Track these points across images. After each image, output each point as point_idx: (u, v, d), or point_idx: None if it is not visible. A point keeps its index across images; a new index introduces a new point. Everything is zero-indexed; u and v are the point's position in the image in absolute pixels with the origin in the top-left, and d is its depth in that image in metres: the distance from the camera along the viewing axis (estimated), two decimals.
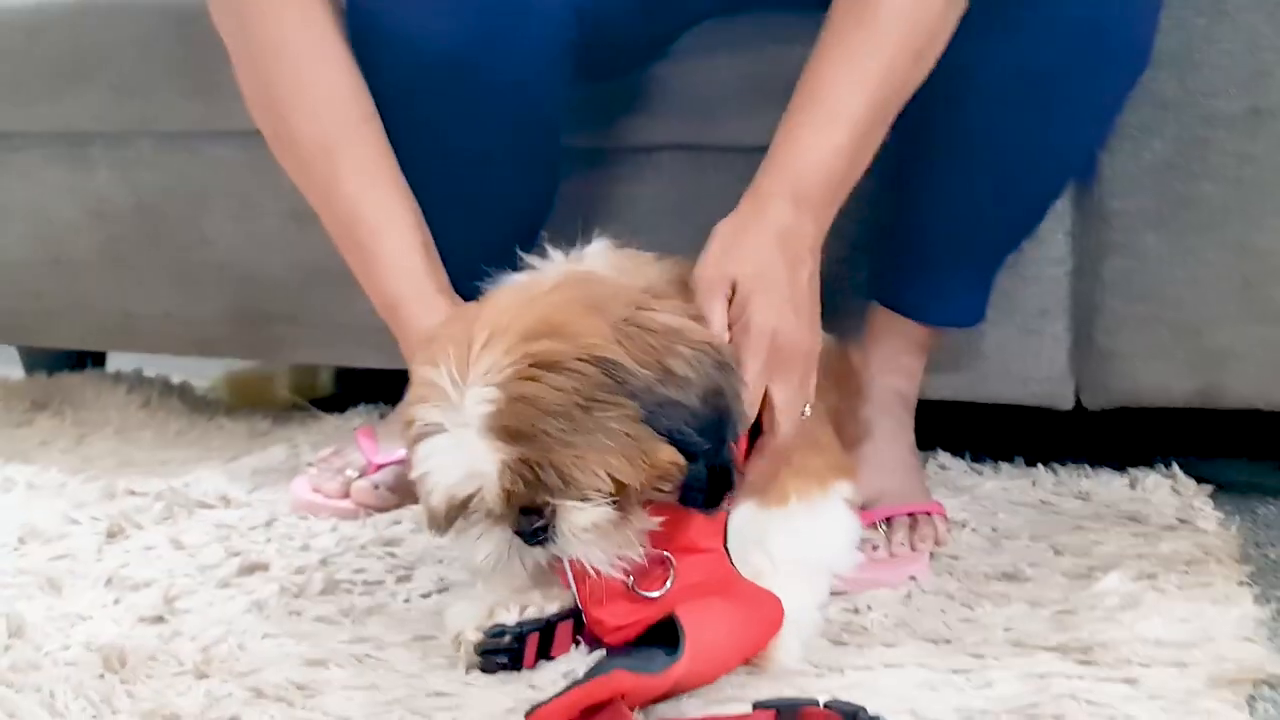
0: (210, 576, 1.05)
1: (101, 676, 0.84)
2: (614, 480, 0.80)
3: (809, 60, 0.96)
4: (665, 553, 0.85)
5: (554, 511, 0.81)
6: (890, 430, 1.19)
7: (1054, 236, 1.26)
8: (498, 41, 1.06)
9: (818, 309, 0.94)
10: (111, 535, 1.15)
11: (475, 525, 0.84)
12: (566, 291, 0.85)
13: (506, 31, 1.06)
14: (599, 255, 0.94)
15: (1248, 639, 0.87)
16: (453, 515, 0.84)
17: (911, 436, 1.22)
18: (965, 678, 0.83)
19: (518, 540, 0.83)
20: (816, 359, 0.93)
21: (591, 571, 0.83)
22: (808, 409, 0.92)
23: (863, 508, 1.07)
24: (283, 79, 1.05)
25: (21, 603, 0.98)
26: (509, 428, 0.79)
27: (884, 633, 0.92)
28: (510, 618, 0.87)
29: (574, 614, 0.87)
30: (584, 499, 0.80)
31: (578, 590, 0.86)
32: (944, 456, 1.37)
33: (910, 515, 1.08)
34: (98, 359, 1.92)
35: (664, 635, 0.81)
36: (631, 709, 0.75)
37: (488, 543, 0.84)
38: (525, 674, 0.85)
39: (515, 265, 1.16)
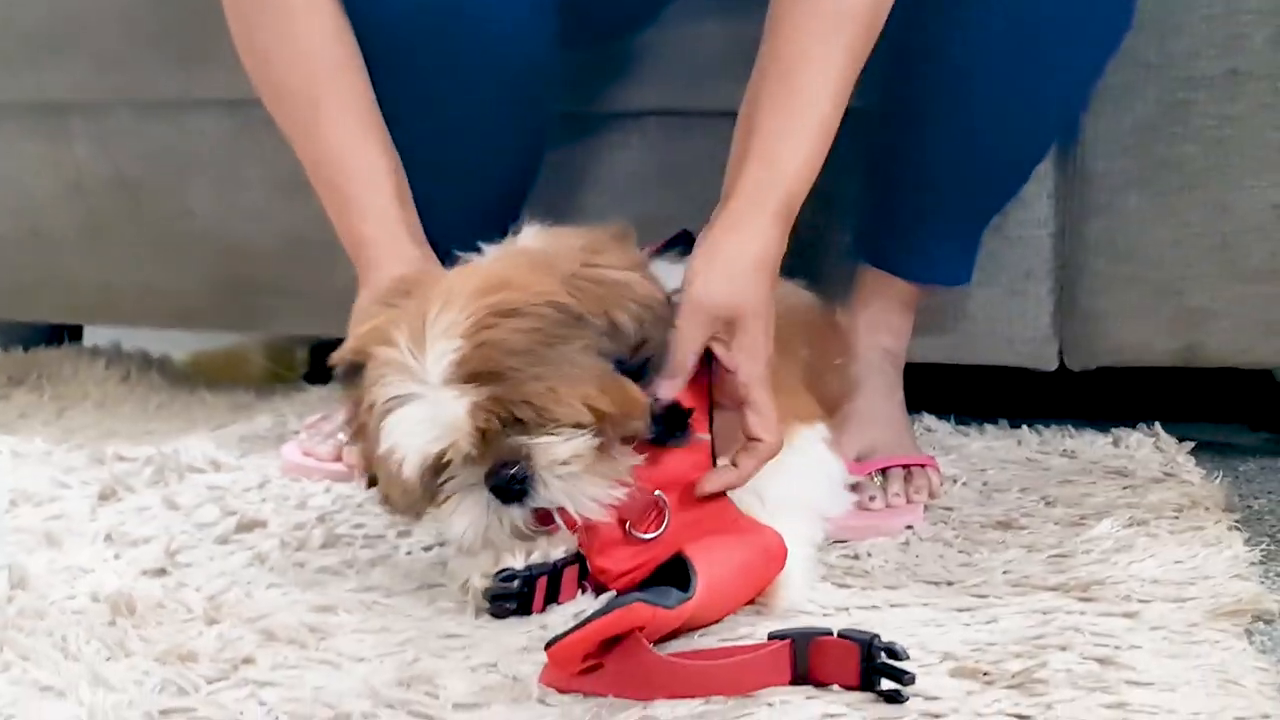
0: (208, 533, 1.04)
1: (112, 623, 0.83)
2: (591, 409, 0.81)
3: (770, 52, 0.97)
4: (657, 492, 0.86)
5: (530, 455, 0.81)
6: (880, 387, 1.21)
7: (1038, 199, 1.28)
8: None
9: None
10: (104, 497, 1.14)
11: (450, 497, 0.84)
12: (512, 258, 0.88)
13: None
14: (531, 237, 0.94)
15: (1241, 577, 0.89)
16: (428, 482, 0.83)
17: (901, 394, 1.23)
18: (970, 614, 0.85)
19: (495, 502, 0.83)
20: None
21: (578, 516, 0.83)
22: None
23: (857, 460, 1.09)
24: (269, 27, 1.04)
25: (22, 556, 0.97)
26: (476, 371, 0.80)
27: (886, 576, 0.93)
28: (518, 562, 0.87)
29: (579, 559, 0.88)
30: (560, 433, 0.81)
31: (581, 541, 0.87)
32: (929, 419, 1.39)
33: (905, 467, 1.10)
34: (74, 333, 1.90)
35: (672, 575, 0.82)
36: (659, 636, 0.76)
37: (465, 511, 0.84)
38: (536, 616, 0.85)
39: (501, 230, 1.17)
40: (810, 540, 0.93)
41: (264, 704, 0.72)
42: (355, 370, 0.87)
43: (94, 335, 1.90)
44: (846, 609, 0.86)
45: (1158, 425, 1.30)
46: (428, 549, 1.01)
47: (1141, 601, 0.85)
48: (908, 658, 0.72)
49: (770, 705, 0.71)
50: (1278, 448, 1.34)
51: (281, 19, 1.03)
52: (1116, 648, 0.78)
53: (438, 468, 0.83)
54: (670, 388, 0.88)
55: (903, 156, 1.19)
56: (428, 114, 1.11)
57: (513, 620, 0.85)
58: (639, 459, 0.85)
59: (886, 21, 1.01)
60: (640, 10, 1.31)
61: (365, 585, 0.92)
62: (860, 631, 0.73)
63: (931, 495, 1.10)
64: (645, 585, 0.84)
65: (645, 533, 0.85)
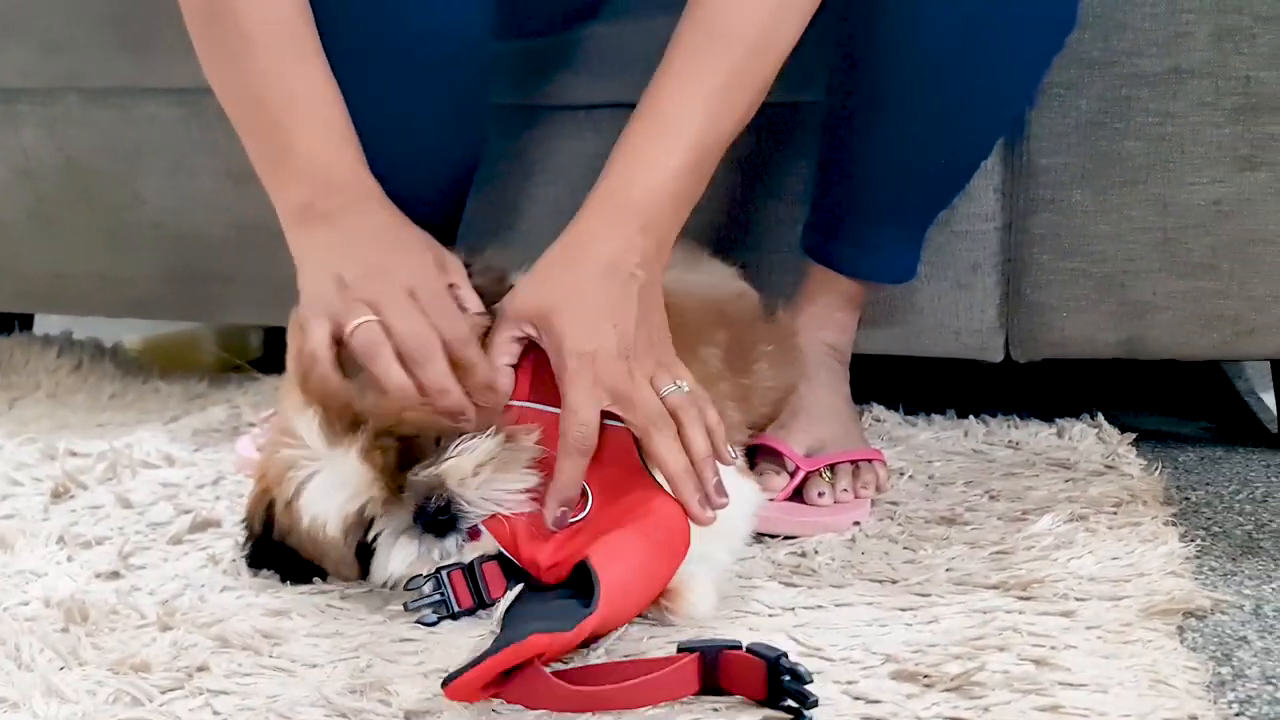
0: (162, 533, 1.05)
1: (65, 630, 0.84)
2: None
3: (656, 73, 0.97)
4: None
5: (443, 480, 0.85)
6: (826, 382, 1.22)
7: (985, 193, 1.30)
8: None
9: (661, 311, 0.94)
10: (56, 495, 1.14)
11: (383, 545, 0.87)
12: None
13: None
14: None
15: (1174, 574, 0.92)
16: (353, 540, 0.88)
17: (847, 388, 1.25)
18: (912, 614, 0.87)
19: (429, 538, 0.87)
20: (661, 353, 0.93)
21: (503, 515, 0.86)
22: (684, 385, 0.91)
23: (806, 455, 1.11)
24: None
25: None
26: (346, 423, 0.86)
27: (832, 574, 0.95)
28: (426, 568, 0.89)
29: (498, 556, 0.88)
30: (458, 445, 0.85)
31: (498, 539, 0.87)
32: (878, 409, 1.41)
33: (853, 463, 1.11)
34: (25, 322, 1.89)
35: (580, 582, 0.82)
36: (549, 663, 0.76)
37: (398, 555, 0.87)
38: (487, 619, 0.86)
39: (440, 219, 1.17)
40: (718, 562, 0.91)
41: (218, 713, 0.73)
42: (269, 504, 0.92)
43: (45, 324, 1.89)
44: (793, 609, 0.88)
45: (1100, 416, 1.33)
46: None
47: (1078, 600, 0.87)
48: (811, 680, 0.72)
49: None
50: (1217, 438, 1.37)
51: None
52: (1052, 648, 0.80)
53: (362, 524, 0.87)
54: (488, 396, 0.89)
55: (849, 153, 1.20)
56: (362, 104, 1.10)
57: (465, 624, 0.86)
58: (540, 450, 0.88)
59: (833, 16, 1.02)
60: (579, 4, 1.31)
61: (318, 589, 0.92)
62: (768, 647, 0.73)
63: (879, 490, 1.12)
64: (559, 588, 0.85)
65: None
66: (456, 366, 0.89)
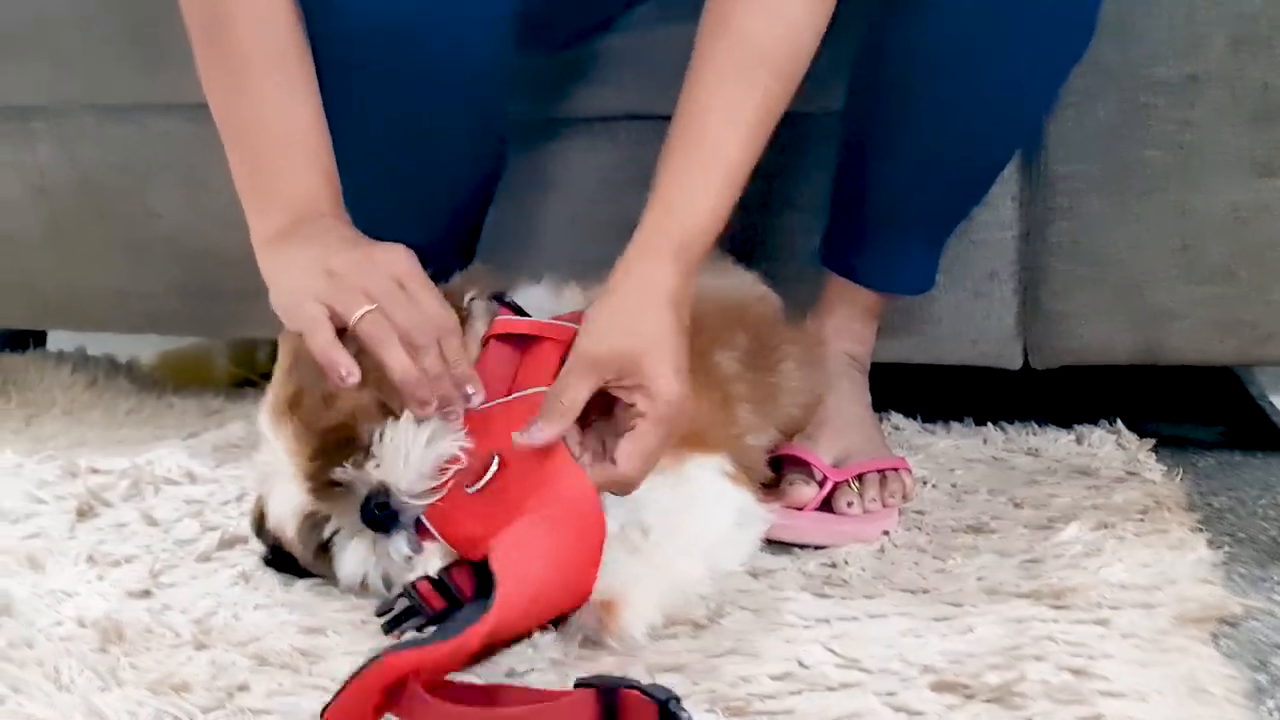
0: (190, 551, 1.05)
1: (103, 650, 0.84)
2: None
3: (685, 95, 0.99)
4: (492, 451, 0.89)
5: (377, 477, 0.87)
6: (848, 392, 1.23)
7: (1002, 202, 1.31)
8: (434, 2, 1.06)
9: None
10: (81, 514, 1.14)
11: (338, 546, 0.91)
12: None
13: None
14: None
15: (1206, 580, 0.92)
16: (307, 539, 0.91)
17: (868, 398, 1.25)
18: (947, 624, 0.87)
19: (381, 539, 0.89)
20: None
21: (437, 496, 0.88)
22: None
23: (834, 465, 1.11)
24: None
25: (4, 580, 0.97)
26: (296, 431, 0.90)
27: (864, 585, 0.95)
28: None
29: (466, 562, 0.88)
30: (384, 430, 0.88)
31: (434, 525, 0.89)
32: (897, 418, 1.41)
33: (880, 472, 1.12)
34: (39, 339, 1.89)
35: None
36: (438, 678, 0.75)
37: (350, 554, 0.90)
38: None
39: (460, 236, 1.17)
40: (674, 577, 0.89)
41: None
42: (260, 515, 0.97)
43: (58, 340, 1.89)
44: (827, 620, 0.88)
45: (1119, 423, 1.34)
46: None
47: (1112, 608, 0.87)
48: None
49: None
50: (1235, 443, 1.38)
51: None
52: (1090, 657, 0.80)
53: (315, 526, 0.90)
54: (545, 434, 0.88)
55: (866, 164, 1.20)
56: (384, 120, 1.11)
57: None
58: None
59: (851, 27, 1.03)
60: (599, 16, 1.32)
61: (353, 604, 0.92)
62: (662, 689, 0.70)
63: (905, 498, 1.12)
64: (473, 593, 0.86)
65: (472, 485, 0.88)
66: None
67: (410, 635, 0.85)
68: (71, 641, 0.85)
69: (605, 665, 0.81)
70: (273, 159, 0.98)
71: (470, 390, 0.91)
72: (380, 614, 0.87)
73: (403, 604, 0.86)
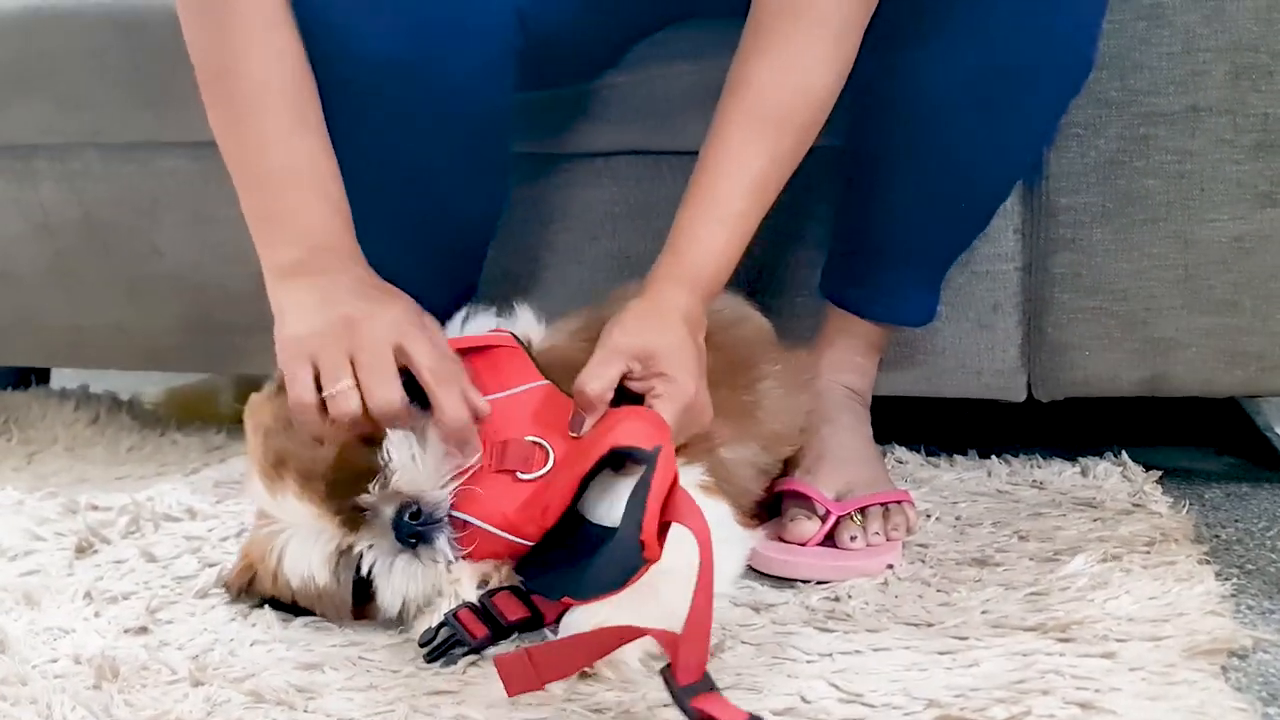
0: (188, 587, 1.04)
1: (97, 687, 0.83)
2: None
3: (703, 148, 1.05)
4: (530, 438, 0.94)
5: (397, 489, 0.89)
6: (849, 424, 1.22)
7: (1004, 234, 1.30)
8: (436, 42, 1.06)
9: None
10: (80, 550, 1.14)
11: (380, 575, 0.90)
12: None
13: (445, 31, 1.06)
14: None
15: (1214, 613, 0.91)
16: (345, 577, 0.90)
17: (869, 431, 1.25)
18: (951, 658, 0.86)
19: (424, 548, 0.89)
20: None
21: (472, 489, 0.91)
22: None
23: (836, 499, 1.10)
24: (238, 32, 1.01)
25: (1, 616, 0.96)
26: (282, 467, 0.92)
27: (867, 619, 0.94)
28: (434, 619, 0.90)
29: (509, 587, 0.91)
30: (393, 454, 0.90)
31: (477, 515, 0.91)
32: (900, 451, 1.40)
33: (883, 505, 1.11)
34: (42, 376, 1.89)
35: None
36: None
37: (396, 576, 0.90)
38: None
39: (463, 274, 1.17)
40: (663, 605, 0.84)
41: None
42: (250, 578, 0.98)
43: (61, 377, 1.89)
44: (830, 655, 0.87)
45: (1124, 454, 1.32)
46: None
47: (1119, 641, 0.86)
48: None
49: None
50: (1242, 474, 1.37)
51: (249, 29, 1.01)
52: (1097, 690, 0.79)
53: (350, 562, 0.90)
54: (591, 421, 0.95)
55: (867, 197, 1.21)
56: (387, 156, 1.12)
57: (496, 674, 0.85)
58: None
59: (856, 64, 1.04)
60: (600, 57, 1.32)
61: (350, 640, 0.92)
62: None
63: (909, 531, 1.11)
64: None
65: (532, 472, 0.92)
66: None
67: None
68: (66, 679, 0.85)
69: (603, 700, 0.80)
70: (282, 192, 0.99)
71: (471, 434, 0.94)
72: (423, 644, 0.87)
73: (445, 633, 0.87)
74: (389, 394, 0.90)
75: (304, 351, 0.92)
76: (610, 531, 0.85)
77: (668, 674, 0.72)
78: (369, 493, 0.89)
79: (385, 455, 0.90)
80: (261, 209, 1.00)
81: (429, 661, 0.86)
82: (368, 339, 0.92)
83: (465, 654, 0.87)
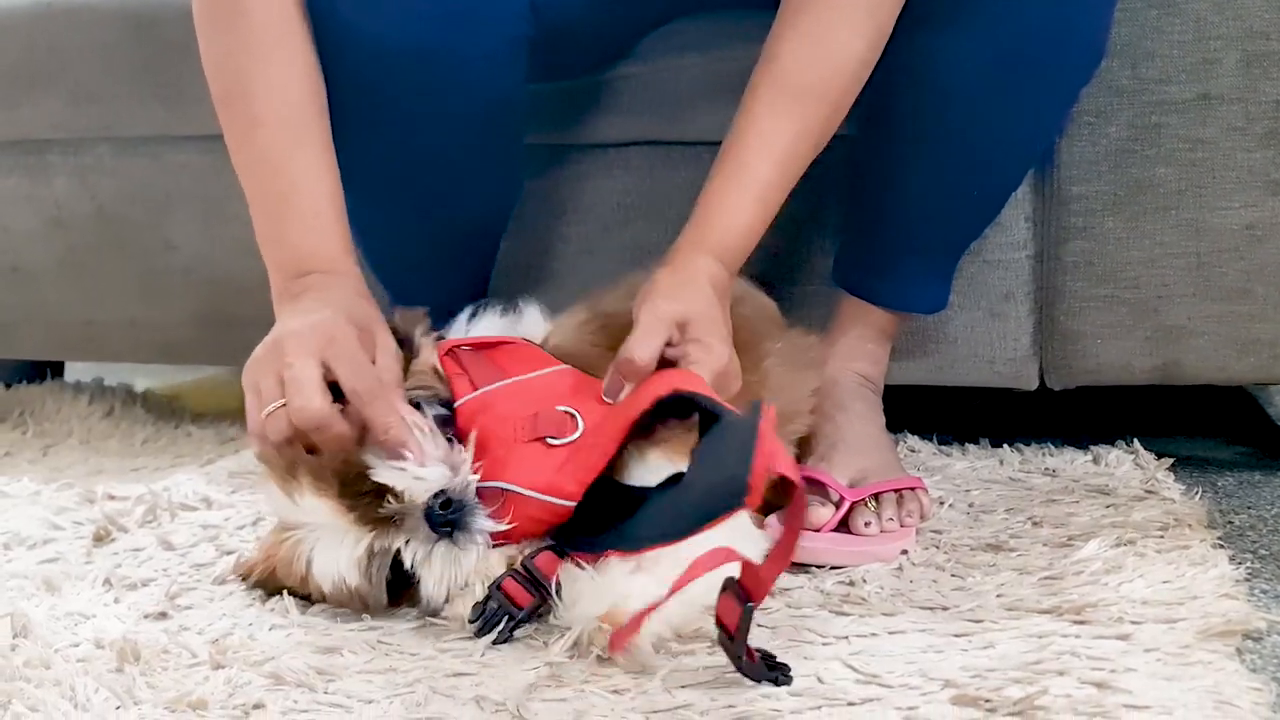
0: (206, 574, 1.05)
1: (119, 669, 0.84)
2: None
3: (735, 120, 1.05)
4: (561, 407, 0.95)
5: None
6: (862, 412, 1.23)
7: (1016, 222, 1.31)
8: (448, 30, 1.07)
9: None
10: (98, 539, 1.14)
11: (421, 567, 0.90)
12: None
13: (457, 19, 1.07)
14: None
15: (1228, 596, 0.91)
16: (376, 574, 0.91)
17: (882, 418, 1.25)
18: (967, 640, 0.86)
19: (460, 535, 0.90)
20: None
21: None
22: None
23: (850, 485, 1.11)
24: (250, 46, 1.03)
25: (22, 602, 0.97)
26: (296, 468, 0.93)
27: (882, 603, 0.94)
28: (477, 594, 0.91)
29: (547, 546, 0.91)
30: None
31: (510, 479, 0.92)
32: (913, 439, 1.41)
33: (896, 491, 1.11)
34: (56, 369, 1.90)
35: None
36: None
37: (440, 563, 0.90)
38: (542, 651, 0.86)
39: (474, 266, 1.18)
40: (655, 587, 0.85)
41: None
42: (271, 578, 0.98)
43: (75, 370, 1.90)
44: (846, 637, 0.87)
45: (1136, 442, 1.33)
46: None
47: (1134, 623, 0.87)
48: None
49: None
50: (1254, 462, 1.37)
51: (262, 39, 1.03)
52: (1112, 671, 0.79)
53: (385, 559, 0.90)
54: (626, 390, 0.96)
55: (880, 185, 1.21)
56: (400, 148, 1.12)
57: (521, 655, 0.85)
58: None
59: None
60: (612, 48, 1.33)
61: (368, 624, 0.92)
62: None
63: (923, 517, 1.12)
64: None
65: (563, 437, 0.93)
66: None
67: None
68: (88, 662, 0.85)
69: (621, 682, 0.80)
70: (282, 212, 1.03)
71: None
72: (473, 620, 0.88)
73: (492, 607, 0.88)
74: (306, 404, 0.90)
75: (248, 381, 0.96)
76: (651, 491, 0.88)
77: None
78: (385, 497, 0.90)
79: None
80: (265, 221, 1.04)
81: (477, 636, 0.87)
82: (290, 356, 0.93)
83: (513, 626, 0.88)
